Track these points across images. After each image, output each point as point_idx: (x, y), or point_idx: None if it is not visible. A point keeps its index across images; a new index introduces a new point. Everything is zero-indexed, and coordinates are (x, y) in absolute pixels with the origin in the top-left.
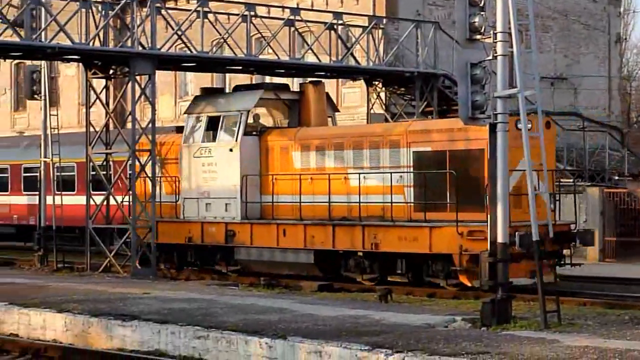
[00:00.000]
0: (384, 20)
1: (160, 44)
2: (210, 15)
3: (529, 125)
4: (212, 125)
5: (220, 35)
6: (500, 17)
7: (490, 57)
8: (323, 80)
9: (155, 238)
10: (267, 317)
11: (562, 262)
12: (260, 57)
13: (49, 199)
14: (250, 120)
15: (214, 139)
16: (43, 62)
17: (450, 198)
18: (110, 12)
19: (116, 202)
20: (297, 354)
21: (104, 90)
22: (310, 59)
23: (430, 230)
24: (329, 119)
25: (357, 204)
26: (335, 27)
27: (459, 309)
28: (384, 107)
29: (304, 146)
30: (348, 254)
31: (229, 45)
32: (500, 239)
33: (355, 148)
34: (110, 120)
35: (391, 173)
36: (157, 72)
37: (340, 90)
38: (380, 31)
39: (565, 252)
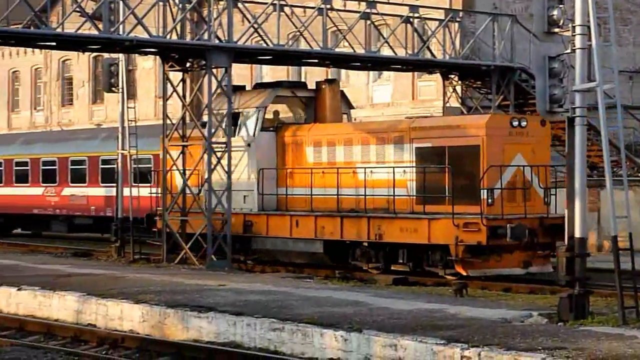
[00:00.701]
0: (461, 13)
1: (237, 37)
2: (286, 8)
3: (524, 123)
4: (233, 121)
5: (297, 28)
6: (579, 10)
7: (569, 51)
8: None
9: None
10: (342, 310)
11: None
12: (336, 50)
13: (126, 191)
14: (270, 116)
15: (233, 134)
16: (121, 55)
17: (448, 192)
18: (187, 5)
19: (192, 193)
20: (372, 347)
21: (181, 82)
22: (385, 52)
23: (429, 222)
24: (344, 116)
25: (364, 196)
26: (411, 20)
27: (536, 303)
28: (459, 100)
29: (316, 142)
30: (355, 244)
31: (304, 38)
32: (577, 234)
33: (363, 144)
34: (187, 113)
35: (394, 168)
36: (233, 64)
37: (415, 83)
38: (456, 24)
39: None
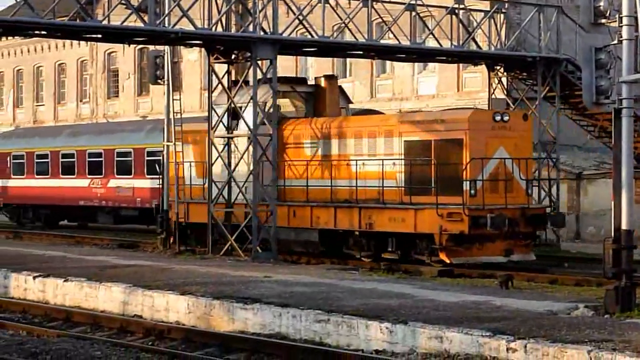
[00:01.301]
0: (506, 5)
1: (282, 28)
2: (331, 0)
3: (506, 118)
4: (235, 115)
5: (341, 20)
6: (625, 0)
7: (615, 42)
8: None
9: (187, 218)
10: (388, 302)
11: (537, 242)
12: (381, 41)
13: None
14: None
15: (235, 128)
16: (166, 47)
17: (434, 183)
18: None
19: (237, 185)
20: (417, 339)
21: (226, 74)
22: (431, 43)
23: (415, 212)
24: (343, 110)
25: (355, 188)
26: (456, 11)
27: (582, 295)
28: (505, 92)
29: (313, 135)
30: (348, 233)
31: (349, 30)
32: (624, 226)
33: (356, 137)
34: (232, 105)
35: (383, 160)
36: (278, 56)
37: (461, 75)
38: (502, 15)
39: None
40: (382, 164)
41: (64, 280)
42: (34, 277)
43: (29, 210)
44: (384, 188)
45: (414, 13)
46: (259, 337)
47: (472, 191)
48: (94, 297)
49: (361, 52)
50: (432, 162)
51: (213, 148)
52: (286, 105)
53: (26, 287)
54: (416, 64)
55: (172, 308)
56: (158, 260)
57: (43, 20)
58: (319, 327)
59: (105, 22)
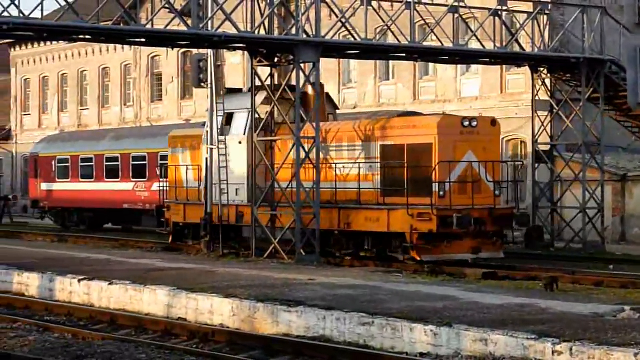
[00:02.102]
0: (549, 6)
1: (324, 31)
2: (374, 3)
3: (475, 123)
4: (227, 120)
5: (384, 22)
6: None
7: None
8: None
9: (184, 218)
10: (432, 305)
11: (507, 241)
12: (424, 44)
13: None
14: (264, 116)
15: (228, 133)
16: (209, 51)
17: (406, 185)
18: (275, 0)
19: (280, 187)
20: (462, 341)
21: (269, 77)
22: (474, 45)
23: (388, 212)
24: (330, 116)
25: (334, 189)
26: (499, 13)
27: (628, 298)
28: (549, 93)
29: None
30: (329, 233)
31: (392, 32)
32: None
33: (337, 142)
34: (275, 108)
35: (359, 164)
36: (321, 59)
37: (504, 76)
38: (545, 17)
39: None
40: (359, 167)
41: (109, 284)
42: (79, 280)
43: (73, 214)
44: (361, 190)
45: (456, 15)
46: (303, 340)
47: (441, 192)
48: (139, 300)
49: (404, 55)
50: (405, 165)
51: (256, 151)
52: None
53: (71, 290)
54: (459, 66)
55: (217, 311)
56: (202, 263)
57: (87, 24)
58: (363, 329)
59: (149, 26)
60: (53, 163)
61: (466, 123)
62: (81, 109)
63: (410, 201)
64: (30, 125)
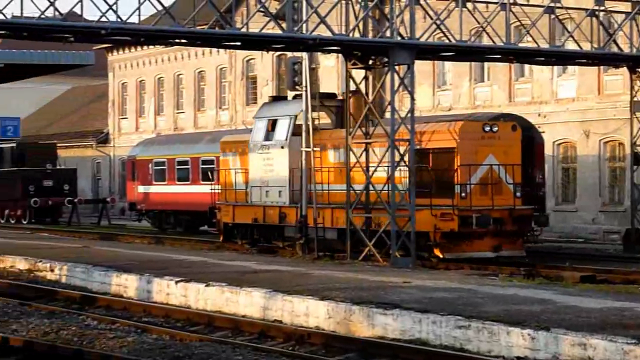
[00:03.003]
0: None
1: (419, 33)
2: (469, 4)
3: (496, 128)
4: (271, 127)
5: (479, 23)
6: None
7: None
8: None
9: (232, 219)
10: (529, 308)
11: (527, 240)
12: (520, 45)
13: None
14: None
15: (271, 139)
16: (304, 54)
17: (430, 187)
18: (369, 3)
19: (375, 190)
20: (560, 346)
21: (363, 80)
22: (570, 46)
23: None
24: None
25: (366, 192)
26: (596, 13)
27: None
28: None
29: (334, 145)
30: (364, 232)
31: (487, 33)
32: None
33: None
34: (370, 111)
35: (387, 167)
36: (415, 61)
37: (601, 77)
38: None
39: None
40: (384, 170)
41: (206, 285)
42: (176, 282)
43: (170, 216)
44: (382, 191)
45: (552, 16)
46: (399, 343)
47: (463, 194)
48: (235, 302)
49: (499, 56)
50: (429, 169)
51: (351, 154)
52: (324, 116)
53: (168, 291)
54: (555, 67)
55: (312, 313)
56: (297, 266)
57: (184, 28)
58: (459, 333)
59: (244, 30)
60: (150, 166)
61: (487, 128)
62: (177, 112)
63: (435, 202)
64: (127, 128)
